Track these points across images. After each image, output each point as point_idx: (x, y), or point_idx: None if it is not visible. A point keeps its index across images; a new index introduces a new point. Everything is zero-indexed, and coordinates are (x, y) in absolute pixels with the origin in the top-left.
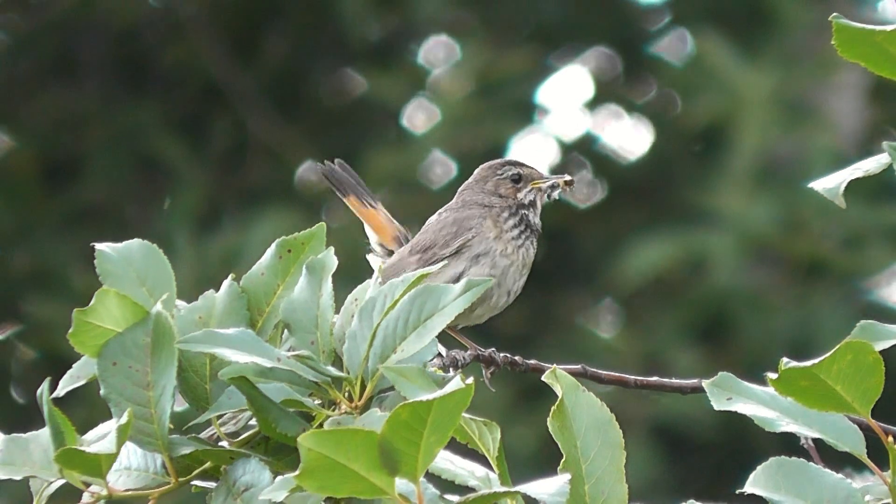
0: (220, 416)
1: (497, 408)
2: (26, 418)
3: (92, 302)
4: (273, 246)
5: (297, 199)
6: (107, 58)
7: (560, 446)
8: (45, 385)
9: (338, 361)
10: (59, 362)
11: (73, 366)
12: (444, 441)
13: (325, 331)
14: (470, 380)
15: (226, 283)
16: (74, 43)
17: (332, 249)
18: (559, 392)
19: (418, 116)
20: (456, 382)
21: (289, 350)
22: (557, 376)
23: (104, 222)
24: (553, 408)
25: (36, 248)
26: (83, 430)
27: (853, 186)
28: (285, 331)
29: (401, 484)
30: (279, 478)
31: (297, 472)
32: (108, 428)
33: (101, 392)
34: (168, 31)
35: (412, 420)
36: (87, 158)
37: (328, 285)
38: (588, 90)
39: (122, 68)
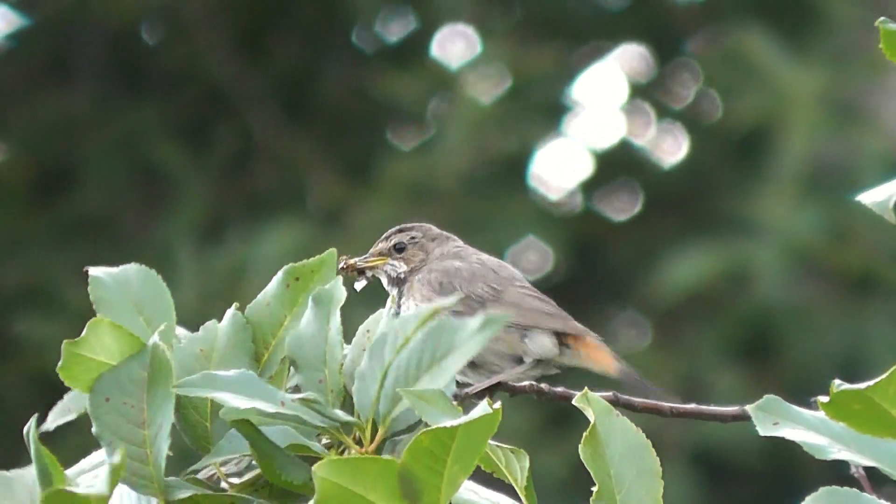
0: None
1: (524, 433)
2: (17, 446)
3: (84, 332)
4: (280, 273)
5: (309, 210)
6: (103, 59)
7: (592, 475)
8: (31, 423)
9: (348, 399)
10: (52, 384)
11: (64, 397)
12: (469, 470)
13: (333, 368)
14: (497, 404)
15: (229, 313)
16: (69, 43)
17: (340, 279)
18: (591, 417)
19: (437, 120)
20: (482, 407)
21: (296, 387)
22: (589, 400)
23: (100, 235)
24: (585, 433)
25: (28, 262)
26: (77, 459)
27: None
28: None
29: None
30: None
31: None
32: (98, 459)
33: (93, 430)
34: (169, 31)
35: (435, 447)
36: (82, 166)
37: (336, 319)
38: (621, 91)
39: (120, 70)
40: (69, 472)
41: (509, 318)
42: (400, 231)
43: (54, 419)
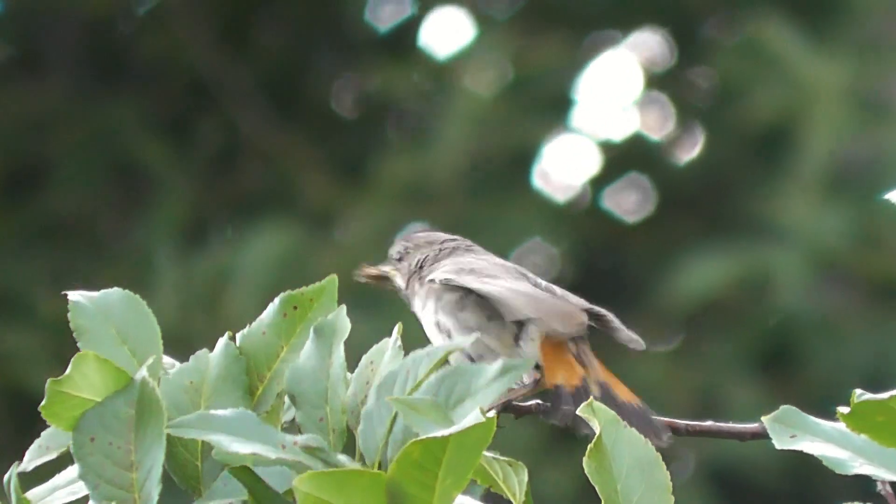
0: None
1: (526, 447)
2: None
3: (68, 369)
4: (276, 301)
5: (299, 212)
6: (77, 49)
7: (598, 490)
8: (12, 473)
9: (350, 438)
10: (22, 396)
11: (42, 434)
12: (463, 484)
13: (335, 406)
14: (492, 413)
15: (221, 343)
16: (40, 32)
17: (343, 309)
18: (596, 428)
19: (435, 115)
20: (475, 416)
21: (292, 421)
22: (594, 409)
23: (75, 238)
24: (590, 446)
25: None
26: (51, 475)
27: None
28: (286, 399)
29: None
30: None
31: None
32: (73, 475)
33: (77, 472)
34: (147, 19)
35: (425, 459)
36: (55, 165)
37: (339, 352)
38: (634, 83)
39: (95, 61)
40: (42, 488)
41: (530, 363)
42: (402, 239)
43: (31, 458)
